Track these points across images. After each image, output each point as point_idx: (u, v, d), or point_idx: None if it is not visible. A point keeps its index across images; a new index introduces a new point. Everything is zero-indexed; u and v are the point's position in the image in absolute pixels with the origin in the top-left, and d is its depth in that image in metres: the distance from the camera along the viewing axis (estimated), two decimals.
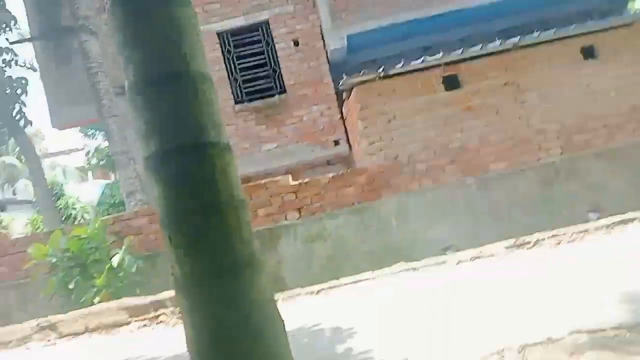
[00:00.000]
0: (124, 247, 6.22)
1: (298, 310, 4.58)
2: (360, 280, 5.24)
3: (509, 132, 7.03)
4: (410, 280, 4.89)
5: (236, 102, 9.57)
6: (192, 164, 1.24)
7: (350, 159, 9.37)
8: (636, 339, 2.29)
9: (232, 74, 9.62)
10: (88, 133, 21.91)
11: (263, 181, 7.06)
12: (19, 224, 19.98)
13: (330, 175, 7.00)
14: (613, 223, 5.47)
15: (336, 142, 9.56)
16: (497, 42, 7.09)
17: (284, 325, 1.26)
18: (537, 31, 7.15)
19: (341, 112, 9.35)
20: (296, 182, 6.98)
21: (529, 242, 5.39)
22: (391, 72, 7.02)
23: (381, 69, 7.00)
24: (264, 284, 1.26)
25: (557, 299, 3.24)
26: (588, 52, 7.20)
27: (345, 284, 5.26)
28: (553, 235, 5.38)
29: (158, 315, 4.95)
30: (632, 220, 5.43)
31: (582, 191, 6.86)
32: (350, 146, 9.24)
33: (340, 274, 6.11)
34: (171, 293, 5.26)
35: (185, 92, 1.25)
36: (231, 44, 9.65)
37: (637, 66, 7.12)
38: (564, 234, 5.36)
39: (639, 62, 7.14)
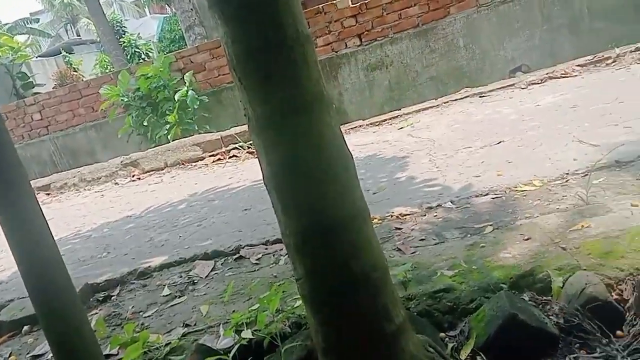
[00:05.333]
0: (186, 84, 6.35)
1: (361, 141, 4.67)
2: (424, 109, 5.16)
3: None
4: (476, 107, 4.75)
5: None
6: None
7: None
8: None
9: None
10: None
11: (321, 6, 6.65)
12: (87, 65, 20.64)
13: None
14: None
15: None
16: None
17: (352, 159, 1.31)
18: None
19: None
20: (356, 5, 6.54)
21: (608, 58, 4.96)
22: None
23: None
24: (333, 119, 1.27)
25: (629, 122, 3.05)
26: None
27: (407, 114, 5.21)
28: (637, 49, 4.89)
29: (229, 150, 5.23)
30: None
31: None
32: None
33: (403, 103, 6.03)
34: (240, 128, 5.47)
35: None
36: None
37: None
38: None
39: None
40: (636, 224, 1.80)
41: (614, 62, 4.86)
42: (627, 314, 1.52)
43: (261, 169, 1.30)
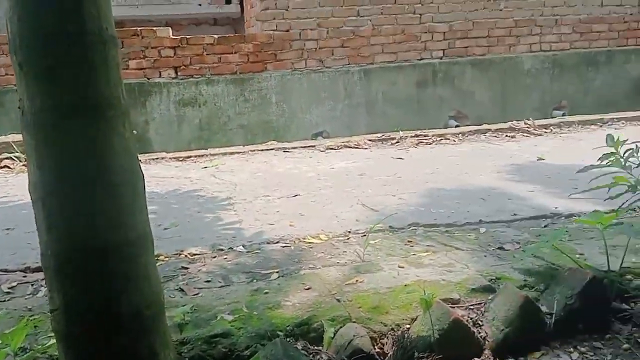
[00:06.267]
0: None
1: (161, 174, 4.46)
2: (231, 153, 5.20)
3: (401, 24, 7.03)
4: (279, 160, 4.96)
5: None
6: None
7: (240, 22, 8.78)
8: (461, 235, 2.61)
9: None
10: None
11: (139, 28, 6.37)
12: None
13: (216, 36, 6.52)
14: (469, 132, 5.98)
15: (228, 0, 8.86)
16: None
17: (143, 179, 1.17)
18: None
19: None
20: (177, 37, 6.42)
21: (393, 138, 5.72)
22: None
23: None
24: (127, 133, 1.13)
25: (404, 195, 3.51)
26: None
27: (214, 155, 5.19)
28: (415, 135, 5.76)
29: (1, 160, 4.49)
30: (485, 131, 5.98)
31: (452, 97, 7.30)
32: (242, 8, 8.61)
33: (211, 144, 6.01)
34: (20, 136, 4.76)
35: None
36: None
37: None
38: (425, 136, 5.77)
39: None
40: (401, 283, 2.00)
41: (397, 142, 5.61)
42: None
43: (28, 173, 1.11)
